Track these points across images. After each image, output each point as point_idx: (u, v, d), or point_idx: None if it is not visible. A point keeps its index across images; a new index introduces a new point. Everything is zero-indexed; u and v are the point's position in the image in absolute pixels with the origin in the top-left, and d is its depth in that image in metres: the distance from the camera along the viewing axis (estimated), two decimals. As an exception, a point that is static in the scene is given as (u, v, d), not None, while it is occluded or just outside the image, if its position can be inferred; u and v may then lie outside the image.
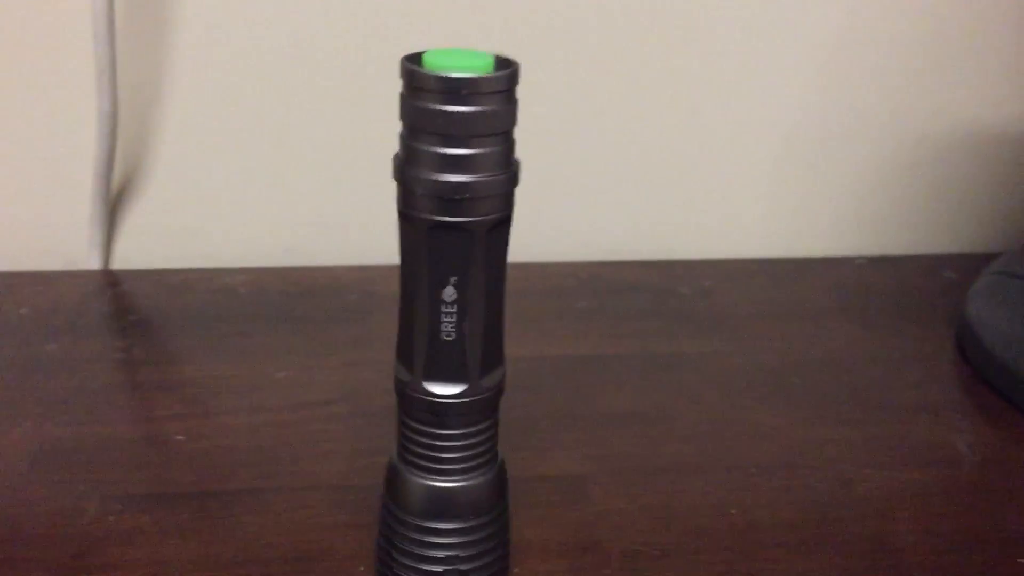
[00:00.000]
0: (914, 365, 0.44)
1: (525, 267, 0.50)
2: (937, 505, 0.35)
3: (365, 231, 0.52)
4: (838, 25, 0.51)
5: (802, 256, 0.54)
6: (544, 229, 0.54)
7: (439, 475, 0.25)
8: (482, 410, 0.25)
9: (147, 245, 0.52)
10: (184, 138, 0.50)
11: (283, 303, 0.47)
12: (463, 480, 0.25)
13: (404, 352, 0.25)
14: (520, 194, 0.24)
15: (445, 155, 0.22)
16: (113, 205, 0.51)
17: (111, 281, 0.49)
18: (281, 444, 0.37)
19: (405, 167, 0.23)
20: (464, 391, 0.25)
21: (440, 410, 0.25)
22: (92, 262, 0.51)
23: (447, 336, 0.24)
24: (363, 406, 0.39)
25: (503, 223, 0.24)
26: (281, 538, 0.32)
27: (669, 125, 0.52)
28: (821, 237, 0.55)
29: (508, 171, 0.23)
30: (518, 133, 0.24)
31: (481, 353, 0.24)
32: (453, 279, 0.24)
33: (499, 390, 0.25)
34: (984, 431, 0.39)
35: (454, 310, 0.24)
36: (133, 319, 0.46)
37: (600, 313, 0.47)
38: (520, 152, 0.24)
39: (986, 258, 0.50)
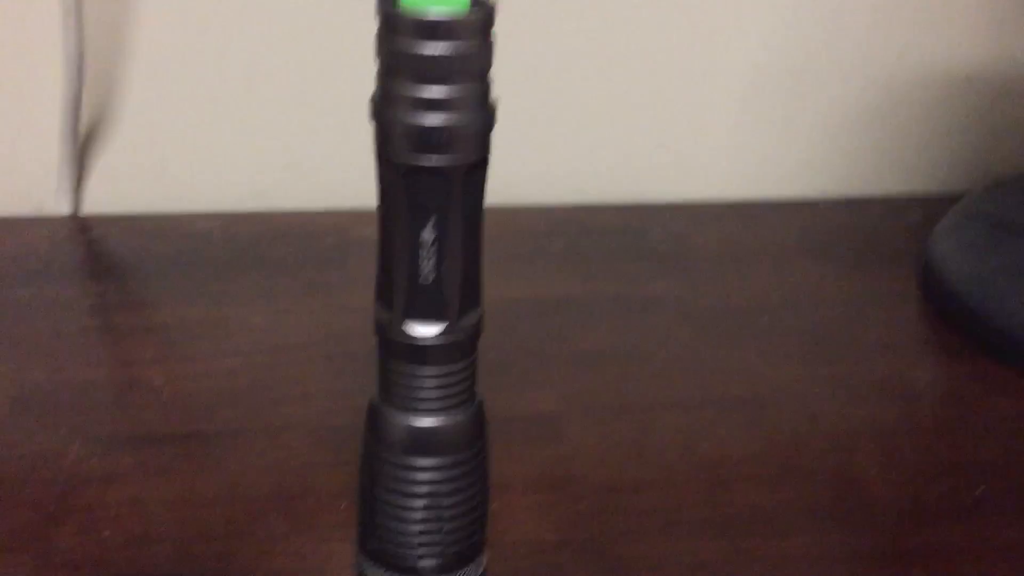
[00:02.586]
0: (879, 304, 0.45)
1: (497, 211, 0.50)
2: (899, 439, 0.36)
3: (340, 174, 0.52)
4: (809, -33, 0.51)
5: (770, 198, 0.55)
6: (516, 173, 0.54)
7: (419, 413, 0.26)
8: (460, 349, 0.26)
9: (117, 189, 0.51)
10: (154, 79, 0.50)
11: (258, 248, 0.47)
12: (443, 418, 0.26)
13: (383, 293, 0.25)
14: (492, 139, 0.24)
15: (421, 98, 0.22)
16: (81, 149, 0.51)
17: (82, 227, 0.49)
18: (260, 387, 0.37)
19: (381, 109, 0.23)
20: (443, 331, 0.25)
21: (419, 350, 0.25)
22: (61, 207, 0.50)
23: (426, 278, 0.25)
24: (342, 349, 0.40)
25: (481, 165, 0.24)
26: (263, 477, 0.33)
27: (639, 72, 0.52)
28: (789, 179, 0.56)
29: (485, 113, 0.23)
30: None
31: (459, 294, 0.25)
32: (431, 221, 0.24)
33: (477, 330, 0.26)
34: (945, 368, 0.40)
35: (432, 252, 0.24)
36: (106, 264, 0.46)
37: (573, 256, 0.48)
38: (495, 95, 0.24)
39: (952, 199, 0.51)
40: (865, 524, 0.32)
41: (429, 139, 0.23)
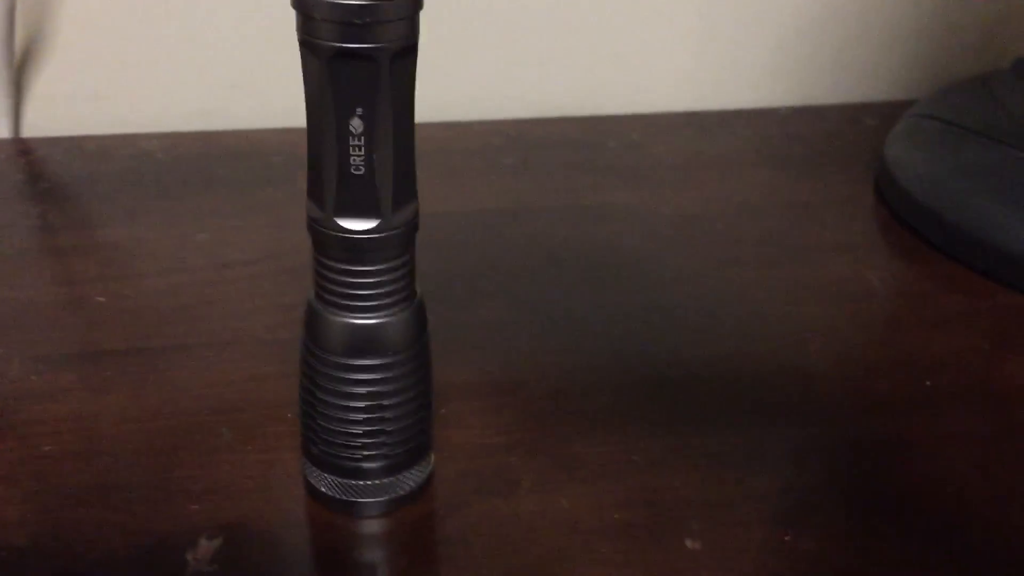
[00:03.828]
0: (833, 208, 0.44)
1: (451, 126, 0.50)
2: (849, 336, 0.36)
3: (287, 92, 0.51)
4: None
5: (728, 108, 0.54)
6: (469, 87, 0.53)
7: (357, 312, 0.25)
8: (397, 245, 0.25)
9: (58, 111, 0.50)
10: (88, -3, 0.48)
11: (203, 167, 0.46)
12: (381, 316, 0.25)
13: (314, 189, 0.25)
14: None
15: (344, -23, 0.22)
16: (18, 70, 0.49)
17: (22, 149, 0.48)
18: (205, 302, 0.37)
19: (303, -8, 0.22)
20: (377, 226, 0.24)
21: (354, 246, 0.24)
22: (1, 130, 0.49)
23: (356, 170, 0.24)
24: (288, 264, 0.39)
25: (408, 51, 0.23)
26: (209, 390, 0.32)
27: (594, -25, 0.51)
28: (746, 89, 0.55)
29: (412, -6, 0.22)
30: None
31: (392, 187, 0.24)
32: (359, 110, 0.23)
33: (413, 225, 0.25)
34: (898, 267, 0.40)
35: (362, 143, 0.23)
36: (47, 186, 0.45)
37: (527, 169, 0.47)
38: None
39: (908, 105, 0.50)
40: (815, 418, 0.32)
41: (353, 21, 0.22)
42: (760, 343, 0.35)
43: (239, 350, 0.34)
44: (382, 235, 0.24)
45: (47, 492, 0.28)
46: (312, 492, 0.28)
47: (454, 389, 0.32)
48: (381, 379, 0.26)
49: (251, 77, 0.51)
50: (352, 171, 0.24)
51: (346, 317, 0.25)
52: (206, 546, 0.26)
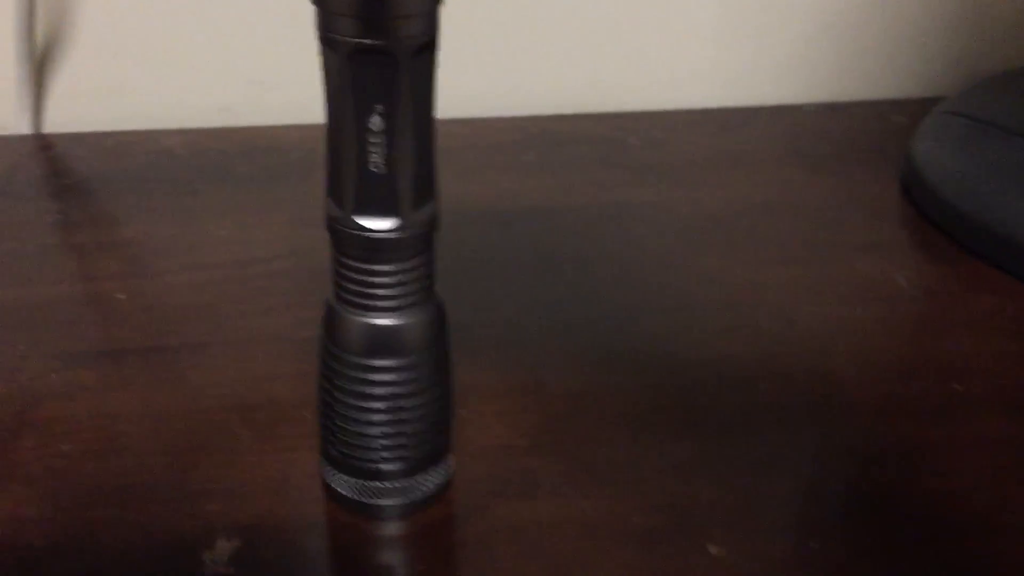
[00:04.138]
0: (859, 207, 0.44)
1: (472, 122, 0.49)
2: (876, 338, 0.35)
3: (305, 88, 0.51)
4: None
5: (752, 105, 0.54)
6: (489, 83, 0.52)
7: (376, 312, 0.25)
8: (417, 245, 0.25)
9: (79, 107, 0.50)
10: (109, -7, 0.48)
11: (223, 163, 0.46)
12: (401, 316, 0.25)
13: (334, 187, 0.24)
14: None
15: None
16: (39, 66, 0.49)
17: (43, 145, 0.48)
18: (224, 300, 0.36)
19: (323, -13, 0.22)
20: (397, 226, 0.24)
21: (373, 245, 0.24)
22: (22, 126, 0.49)
23: (376, 168, 0.23)
24: (307, 262, 0.39)
25: (428, 47, 0.23)
26: (226, 389, 0.32)
27: (616, -30, 0.51)
28: (771, 85, 0.54)
29: (432, -11, 0.22)
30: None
31: (412, 186, 0.24)
32: (379, 107, 0.23)
33: (433, 224, 0.25)
34: (925, 267, 0.39)
35: (382, 140, 0.23)
36: (68, 182, 0.45)
37: (548, 166, 0.47)
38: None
39: (936, 102, 0.50)
40: (840, 422, 0.31)
41: (372, 16, 0.21)
42: (785, 344, 0.35)
43: (257, 349, 0.34)
44: (402, 234, 0.24)
45: (65, 491, 0.28)
46: (330, 493, 0.28)
47: (474, 390, 0.32)
48: (400, 380, 0.26)
49: (271, 73, 0.50)
50: (372, 169, 0.23)
51: (365, 317, 0.25)
52: (224, 547, 0.26)
